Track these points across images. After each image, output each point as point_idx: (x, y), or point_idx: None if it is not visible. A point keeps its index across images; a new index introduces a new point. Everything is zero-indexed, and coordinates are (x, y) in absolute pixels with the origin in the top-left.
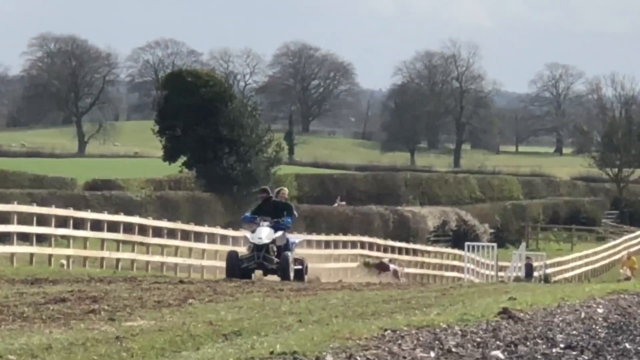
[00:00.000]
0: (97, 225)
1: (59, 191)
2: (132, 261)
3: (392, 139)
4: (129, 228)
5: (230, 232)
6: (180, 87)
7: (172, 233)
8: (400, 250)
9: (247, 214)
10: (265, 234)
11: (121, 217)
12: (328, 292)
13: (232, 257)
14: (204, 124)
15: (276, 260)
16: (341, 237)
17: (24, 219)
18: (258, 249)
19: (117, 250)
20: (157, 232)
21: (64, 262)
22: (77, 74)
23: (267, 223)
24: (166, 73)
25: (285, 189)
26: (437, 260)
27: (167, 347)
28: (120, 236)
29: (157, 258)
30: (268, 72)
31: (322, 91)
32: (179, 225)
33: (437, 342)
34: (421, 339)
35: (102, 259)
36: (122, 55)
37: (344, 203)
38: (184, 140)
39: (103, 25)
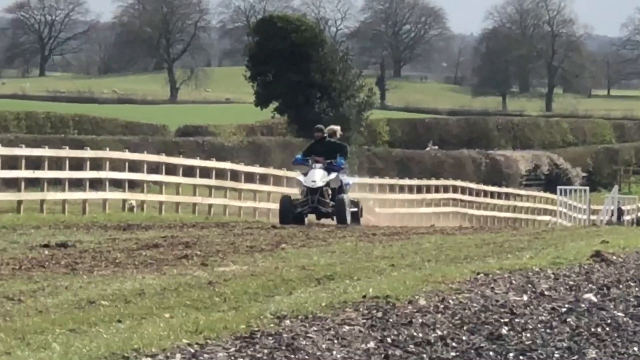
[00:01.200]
0: (189, 171)
1: (151, 137)
2: (225, 207)
3: (483, 84)
4: (221, 174)
5: None
6: (272, 33)
7: (264, 178)
8: (492, 194)
9: (299, 155)
10: (318, 176)
11: (213, 163)
12: (421, 236)
13: (285, 202)
14: (295, 69)
15: (331, 203)
16: (433, 182)
17: (116, 165)
18: (312, 193)
19: (210, 196)
20: (249, 177)
21: (133, 203)
22: (168, 20)
23: (320, 165)
24: (257, 19)
25: (338, 127)
26: (530, 204)
27: (260, 291)
28: (212, 182)
29: (249, 203)
30: (359, 17)
31: (414, 36)
32: (270, 171)
33: (529, 285)
34: (514, 282)
35: (195, 204)
36: (214, 1)
37: (436, 147)
38: (275, 86)
39: None
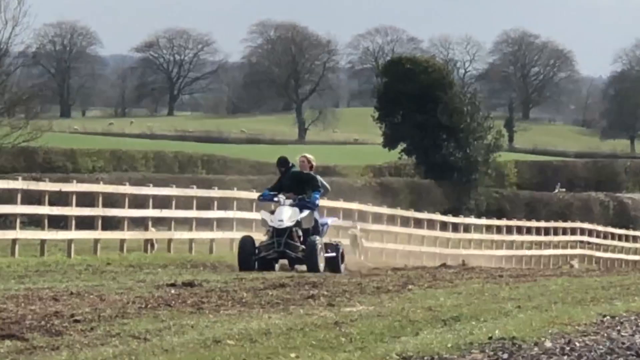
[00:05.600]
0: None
1: None
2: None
3: (611, 126)
4: (348, 214)
5: (450, 219)
6: (400, 74)
7: (391, 219)
8: (619, 237)
9: (266, 190)
10: (287, 215)
11: (341, 203)
12: (547, 279)
13: (245, 245)
14: (423, 110)
15: (302, 247)
16: (561, 224)
17: (244, 205)
18: (279, 234)
19: (337, 236)
20: (377, 218)
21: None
22: (297, 60)
23: (289, 202)
24: (386, 60)
25: (308, 155)
26: None
27: (386, 332)
28: (340, 222)
29: (376, 244)
30: (488, 59)
31: (542, 78)
32: (398, 212)
33: None
34: None
35: None
36: (342, 42)
37: (563, 190)
38: (403, 127)
39: (323, 11)
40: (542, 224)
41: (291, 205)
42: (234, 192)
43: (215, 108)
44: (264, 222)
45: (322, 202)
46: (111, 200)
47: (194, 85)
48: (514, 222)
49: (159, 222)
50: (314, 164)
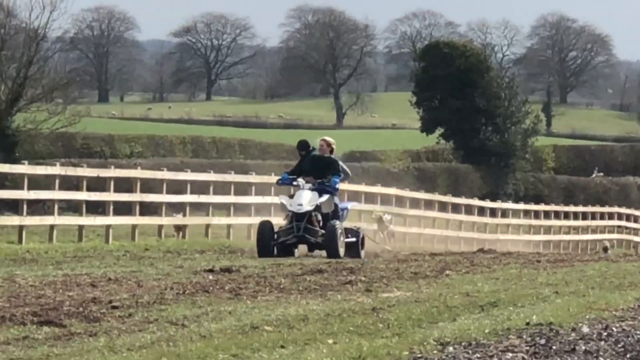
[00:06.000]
0: (354, 197)
1: None
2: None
3: None
4: (386, 199)
5: (487, 204)
6: (438, 58)
7: (429, 204)
8: None
9: (285, 174)
10: (306, 199)
11: (378, 189)
12: (585, 264)
13: (265, 230)
14: (461, 95)
15: (321, 232)
16: (599, 209)
17: (282, 190)
18: (298, 219)
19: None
20: (415, 203)
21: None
22: (334, 45)
23: (309, 185)
24: (423, 44)
25: (327, 138)
26: None
27: (424, 318)
28: (377, 208)
29: (414, 229)
30: (525, 43)
31: (580, 62)
32: (436, 197)
33: None
34: None
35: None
36: (380, 27)
37: (601, 174)
38: (441, 112)
39: None
40: (580, 208)
41: (310, 189)
42: (271, 177)
43: (253, 93)
44: (283, 206)
45: (359, 187)
46: (149, 186)
47: (231, 70)
48: (551, 207)
49: (197, 208)
50: (334, 147)
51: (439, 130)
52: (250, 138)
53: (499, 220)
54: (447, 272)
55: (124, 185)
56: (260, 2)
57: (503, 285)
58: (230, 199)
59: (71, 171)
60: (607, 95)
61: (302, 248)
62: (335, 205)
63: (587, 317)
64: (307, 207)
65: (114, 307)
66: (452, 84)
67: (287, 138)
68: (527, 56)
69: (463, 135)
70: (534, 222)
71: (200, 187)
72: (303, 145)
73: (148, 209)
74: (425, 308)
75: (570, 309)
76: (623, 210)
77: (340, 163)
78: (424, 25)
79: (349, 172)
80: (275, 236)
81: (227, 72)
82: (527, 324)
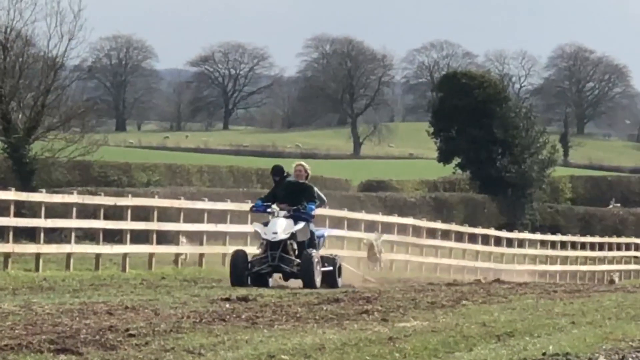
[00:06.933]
0: (371, 226)
1: (334, 192)
2: (406, 262)
3: None
4: (402, 229)
5: (505, 234)
6: (455, 89)
7: (445, 234)
8: None
9: (259, 200)
10: (281, 227)
11: (395, 219)
12: (601, 294)
13: (237, 259)
14: (478, 125)
15: (297, 261)
16: (615, 239)
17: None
18: (273, 247)
19: (391, 251)
20: (431, 233)
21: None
22: (352, 75)
23: (284, 213)
24: (441, 75)
25: (303, 163)
26: None
27: (440, 347)
28: (394, 237)
29: (430, 259)
30: (543, 74)
31: (597, 93)
32: (452, 227)
33: None
34: None
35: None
36: (398, 57)
37: (618, 205)
38: (458, 142)
39: (378, 26)
40: (597, 239)
41: (285, 216)
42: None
43: (270, 122)
44: (257, 234)
45: (375, 217)
46: (166, 215)
47: (249, 99)
48: (568, 238)
49: (214, 237)
50: (310, 173)
51: (456, 160)
52: (267, 167)
53: (515, 250)
54: (464, 302)
55: (141, 213)
56: (278, 31)
57: (519, 315)
58: (248, 227)
59: (88, 199)
60: (625, 126)
61: (277, 277)
62: (312, 232)
63: (604, 347)
64: (282, 235)
65: (131, 335)
66: (470, 114)
67: None
68: (545, 87)
69: (480, 165)
70: (550, 252)
71: (217, 216)
72: (277, 171)
73: (165, 237)
74: (442, 338)
75: (586, 339)
76: (639, 240)
77: (316, 189)
78: (442, 55)
79: (325, 198)
80: (249, 265)
81: (245, 101)
82: (544, 354)
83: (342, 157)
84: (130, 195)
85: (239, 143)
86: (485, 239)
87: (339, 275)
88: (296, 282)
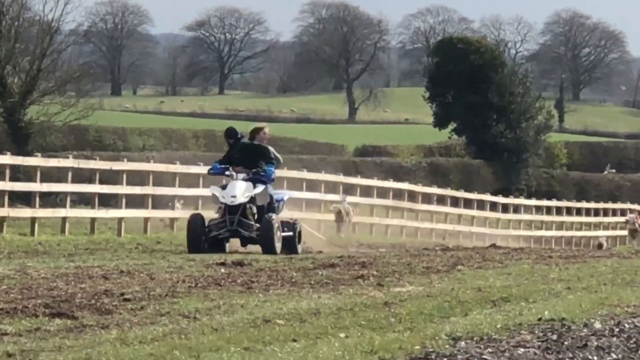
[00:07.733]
0: (366, 191)
1: (329, 157)
2: (401, 227)
3: None
4: (398, 194)
5: (500, 199)
6: (451, 54)
7: (441, 199)
8: None
9: (216, 163)
10: (240, 190)
11: (391, 184)
12: (597, 260)
13: (195, 223)
14: (474, 91)
15: (256, 226)
16: (610, 205)
17: (294, 184)
18: (231, 212)
19: (387, 216)
20: (427, 198)
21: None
22: (348, 40)
23: (242, 176)
24: (437, 40)
25: (265, 126)
26: None
27: (435, 312)
28: (389, 202)
29: (426, 224)
30: (539, 39)
31: (593, 59)
32: (448, 192)
33: None
34: None
35: (372, 225)
36: (394, 22)
37: (613, 171)
38: (454, 107)
39: None
40: (592, 205)
41: (244, 179)
42: (283, 171)
43: (266, 87)
44: (214, 198)
45: (371, 181)
46: (161, 179)
47: (244, 64)
48: (563, 203)
49: (209, 201)
50: (268, 136)
51: (452, 126)
52: None
53: (511, 215)
54: (459, 267)
55: (136, 178)
56: None
57: (515, 280)
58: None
59: (84, 164)
60: (620, 92)
61: (234, 242)
62: (271, 196)
63: (599, 313)
64: (241, 199)
65: (126, 300)
66: (466, 79)
67: (300, 132)
68: (540, 53)
69: (475, 130)
70: (545, 218)
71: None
72: (231, 133)
73: (160, 202)
74: (437, 303)
75: (582, 304)
76: (635, 206)
77: (272, 149)
78: (438, 20)
79: (281, 158)
80: (207, 230)
81: (240, 66)
82: (539, 319)
83: (338, 122)
84: (125, 160)
85: (234, 108)
86: (481, 205)
87: (299, 242)
88: (254, 247)
